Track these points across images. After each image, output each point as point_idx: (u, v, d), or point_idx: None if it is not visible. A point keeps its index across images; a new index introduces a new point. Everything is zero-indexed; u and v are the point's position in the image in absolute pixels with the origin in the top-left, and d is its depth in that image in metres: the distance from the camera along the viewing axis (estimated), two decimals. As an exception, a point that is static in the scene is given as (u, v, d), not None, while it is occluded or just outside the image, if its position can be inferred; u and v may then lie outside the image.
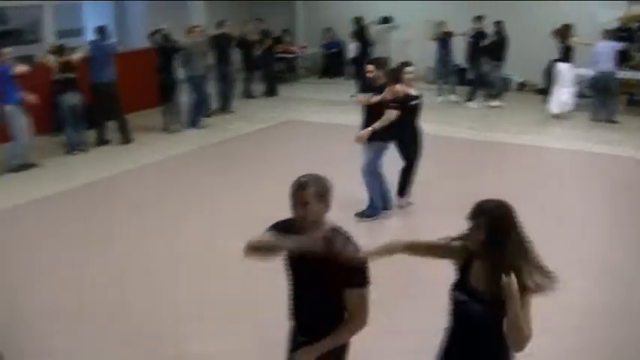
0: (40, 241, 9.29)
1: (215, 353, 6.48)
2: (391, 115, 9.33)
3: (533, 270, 3.76)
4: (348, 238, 4.03)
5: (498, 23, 16.93)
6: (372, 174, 9.76)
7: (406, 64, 9.93)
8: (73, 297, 7.66)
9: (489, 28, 16.90)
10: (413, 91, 9.72)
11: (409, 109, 9.60)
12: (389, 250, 4.21)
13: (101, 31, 14.07)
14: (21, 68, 11.94)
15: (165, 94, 15.17)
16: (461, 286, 3.95)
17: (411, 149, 9.97)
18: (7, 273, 8.26)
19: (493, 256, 3.77)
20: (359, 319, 4.06)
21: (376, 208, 9.82)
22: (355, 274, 3.97)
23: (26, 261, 8.64)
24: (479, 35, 16.96)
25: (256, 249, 4.09)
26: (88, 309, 7.39)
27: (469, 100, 17.35)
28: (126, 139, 14.25)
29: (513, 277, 3.62)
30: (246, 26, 18.33)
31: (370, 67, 9.57)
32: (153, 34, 14.66)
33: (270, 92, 19.13)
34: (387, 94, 9.32)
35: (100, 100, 13.91)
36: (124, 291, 7.80)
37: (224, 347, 6.56)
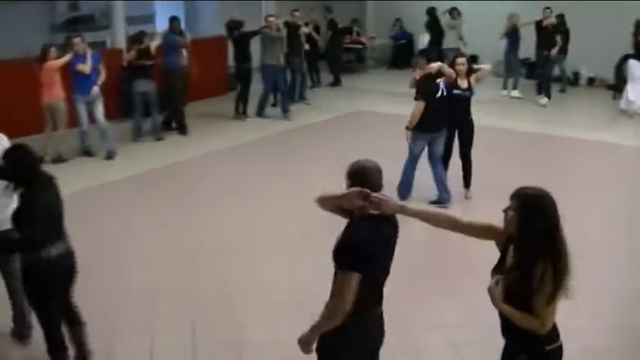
0: (107, 224, 9.33)
1: (273, 342, 6.42)
2: (417, 106, 9.63)
3: (557, 264, 3.76)
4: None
5: (561, 16, 16.58)
6: (409, 163, 9.91)
7: (459, 54, 10.18)
8: (146, 277, 7.68)
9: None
10: (462, 83, 9.84)
11: (452, 100, 9.72)
12: (429, 215, 4.22)
13: (173, 22, 14.07)
14: (83, 67, 11.87)
15: (238, 82, 15.20)
16: (498, 269, 4.00)
17: (461, 141, 10.11)
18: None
19: (520, 239, 3.83)
20: (334, 301, 4.01)
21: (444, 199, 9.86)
22: (344, 254, 3.97)
23: (100, 241, 8.66)
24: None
25: (322, 200, 4.32)
26: (156, 290, 7.39)
27: (538, 93, 16.92)
28: (182, 130, 14.20)
29: (497, 287, 3.83)
30: (309, 16, 18.15)
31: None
32: (229, 24, 14.54)
33: (335, 82, 18.95)
34: (416, 75, 9.80)
35: (170, 87, 13.89)
36: (188, 274, 7.79)
37: (282, 335, 6.43)
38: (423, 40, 20.69)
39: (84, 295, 7.34)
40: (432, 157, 9.88)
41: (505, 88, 17.59)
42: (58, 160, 11.84)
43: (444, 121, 9.74)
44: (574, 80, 18.76)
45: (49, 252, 5.22)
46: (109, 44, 15.80)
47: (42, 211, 5.12)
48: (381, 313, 4.28)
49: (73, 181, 10.88)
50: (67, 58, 11.76)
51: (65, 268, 5.44)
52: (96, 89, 12.07)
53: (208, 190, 10.73)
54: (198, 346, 6.41)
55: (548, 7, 16.43)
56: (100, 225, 9.36)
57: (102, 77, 12.21)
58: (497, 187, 9.61)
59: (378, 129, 14.35)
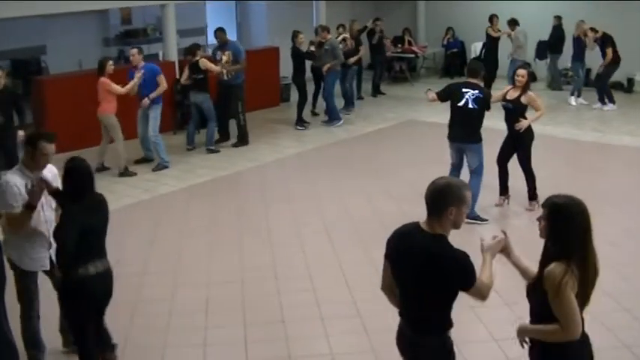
0: (160, 236, 9.33)
1: (326, 355, 6.39)
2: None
3: (583, 272, 3.82)
4: None
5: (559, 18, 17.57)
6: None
7: (522, 66, 10.05)
8: (198, 291, 7.65)
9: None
10: (512, 95, 9.67)
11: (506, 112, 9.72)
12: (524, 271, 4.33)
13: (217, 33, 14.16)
14: (117, 89, 11.78)
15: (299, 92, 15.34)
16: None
17: (517, 153, 9.97)
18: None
19: (546, 245, 3.95)
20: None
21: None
22: (471, 271, 4.08)
23: (155, 253, 8.69)
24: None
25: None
26: (209, 303, 7.33)
27: (600, 100, 16.56)
28: (242, 140, 14.17)
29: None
30: (353, 26, 18.04)
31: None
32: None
33: (374, 92, 18.78)
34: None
35: (223, 99, 13.90)
36: (240, 287, 7.74)
37: (336, 350, 6.49)
38: (476, 48, 20.48)
39: (136, 307, 7.38)
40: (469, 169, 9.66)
41: (572, 95, 17.19)
42: (125, 173, 11.99)
43: (470, 134, 9.40)
44: (628, 87, 18.33)
45: (87, 270, 5.29)
46: (161, 57, 15.89)
47: (80, 229, 5.17)
48: None
49: (126, 192, 10.99)
50: (125, 89, 11.84)
51: (102, 287, 5.49)
52: (145, 101, 12.11)
53: (260, 202, 10.69)
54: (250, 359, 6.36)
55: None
56: (154, 236, 9.38)
57: (158, 90, 12.18)
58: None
59: (431, 139, 14.18)
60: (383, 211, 9.97)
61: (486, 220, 9.51)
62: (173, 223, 9.93)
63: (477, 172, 9.53)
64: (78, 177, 5.38)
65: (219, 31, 14.10)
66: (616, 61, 16.18)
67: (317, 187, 11.26)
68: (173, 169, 12.40)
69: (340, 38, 16.33)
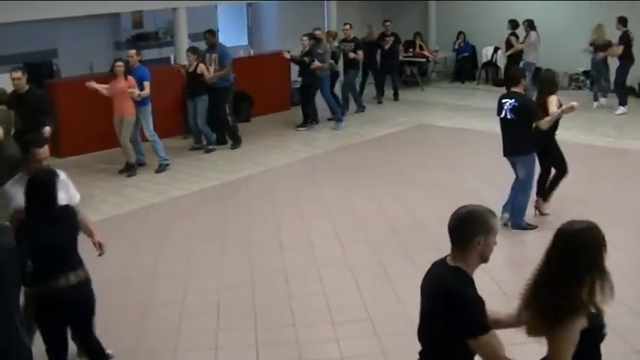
0: (169, 239, 9.35)
1: (357, 357, 6.40)
2: None
3: (589, 303, 3.54)
4: None
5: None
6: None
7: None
8: (209, 294, 7.66)
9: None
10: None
11: None
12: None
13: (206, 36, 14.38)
14: (91, 84, 11.97)
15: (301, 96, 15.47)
16: None
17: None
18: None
19: (556, 275, 3.58)
20: None
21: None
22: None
23: (164, 255, 8.70)
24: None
25: None
26: (220, 306, 7.35)
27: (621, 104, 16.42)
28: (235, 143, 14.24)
29: None
30: (369, 30, 18.16)
31: None
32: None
33: (378, 97, 18.69)
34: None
35: (215, 103, 14.02)
36: (251, 291, 7.73)
37: (346, 354, 6.47)
38: (487, 53, 20.45)
39: (147, 311, 7.40)
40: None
41: (596, 99, 17.05)
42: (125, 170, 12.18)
43: (514, 145, 9.09)
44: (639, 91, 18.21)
45: (57, 283, 5.25)
46: (172, 60, 15.92)
47: (38, 245, 5.12)
48: None
49: (136, 196, 11.02)
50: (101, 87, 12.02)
51: (74, 299, 5.38)
52: (133, 92, 12.14)
53: (270, 205, 10.68)
54: (262, 363, 6.36)
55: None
56: (165, 240, 9.41)
57: (143, 92, 12.15)
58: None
59: (441, 143, 14.17)
60: (393, 215, 9.95)
61: (535, 227, 9.24)
62: (183, 226, 9.93)
63: (523, 183, 9.20)
64: (36, 190, 5.28)
65: (208, 34, 14.32)
66: (629, 58, 16.15)
67: (326, 191, 11.24)
68: (183, 173, 12.43)
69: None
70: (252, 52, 17.79)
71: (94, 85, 11.91)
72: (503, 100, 9.07)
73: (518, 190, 9.25)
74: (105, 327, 6.32)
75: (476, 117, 15.92)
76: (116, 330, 6.83)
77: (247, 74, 15.81)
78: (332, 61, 15.51)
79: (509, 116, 8.97)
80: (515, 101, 8.93)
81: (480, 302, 3.67)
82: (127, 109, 11.99)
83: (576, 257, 3.54)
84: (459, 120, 15.98)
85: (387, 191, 11.09)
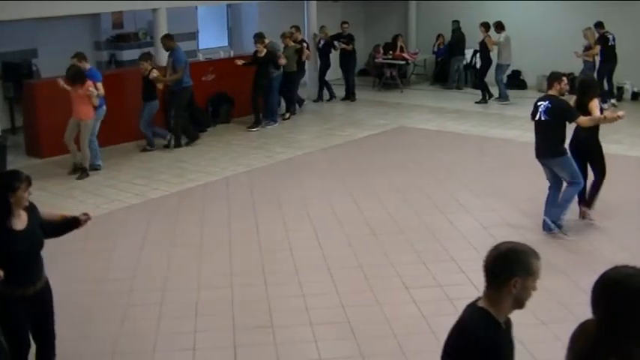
0: (148, 241, 9.34)
1: (335, 359, 6.43)
2: None
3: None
4: None
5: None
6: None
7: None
8: (188, 295, 7.66)
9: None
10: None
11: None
12: None
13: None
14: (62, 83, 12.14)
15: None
16: None
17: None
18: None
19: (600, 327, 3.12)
20: None
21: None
22: None
23: (144, 257, 8.70)
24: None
25: None
26: (198, 307, 7.36)
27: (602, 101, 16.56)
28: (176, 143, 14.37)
29: None
30: (322, 30, 18.76)
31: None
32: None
33: (347, 96, 19.02)
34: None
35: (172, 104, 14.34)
36: (229, 292, 7.74)
37: (324, 356, 6.49)
38: (467, 55, 20.56)
39: (126, 312, 7.40)
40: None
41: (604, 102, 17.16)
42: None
43: (549, 148, 9.08)
44: (618, 95, 18.34)
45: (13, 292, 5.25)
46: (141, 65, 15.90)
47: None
48: None
49: (116, 196, 10.98)
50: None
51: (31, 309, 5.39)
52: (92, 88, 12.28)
53: (250, 207, 10.69)
54: (240, 364, 6.37)
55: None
56: (144, 241, 9.40)
57: (100, 91, 12.38)
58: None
59: (421, 145, 14.22)
60: (373, 217, 9.99)
61: (566, 235, 9.18)
62: (163, 227, 9.93)
63: (574, 183, 9.12)
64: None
65: (165, 38, 14.40)
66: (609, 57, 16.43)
67: (307, 193, 11.27)
68: (164, 174, 12.42)
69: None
70: (232, 54, 17.76)
71: (61, 82, 12.12)
72: (539, 103, 9.11)
73: (568, 186, 9.16)
74: (84, 327, 6.33)
75: (455, 119, 16.01)
76: (95, 330, 6.85)
77: (228, 75, 15.82)
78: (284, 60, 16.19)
79: (543, 118, 9.01)
80: (549, 103, 8.97)
81: (500, 350, 3.36)
82: (86, 113, 12.17)
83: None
84: (439, 122, 16.05)
85: (367, 193, 11.13)
